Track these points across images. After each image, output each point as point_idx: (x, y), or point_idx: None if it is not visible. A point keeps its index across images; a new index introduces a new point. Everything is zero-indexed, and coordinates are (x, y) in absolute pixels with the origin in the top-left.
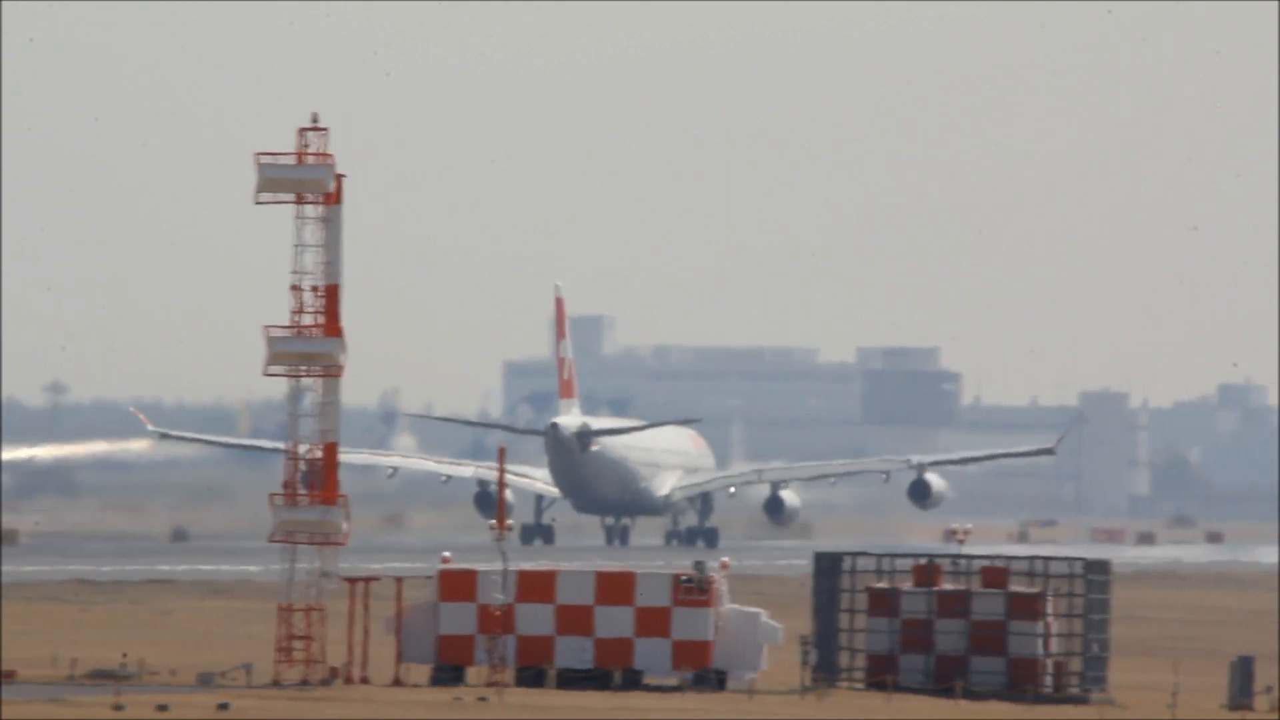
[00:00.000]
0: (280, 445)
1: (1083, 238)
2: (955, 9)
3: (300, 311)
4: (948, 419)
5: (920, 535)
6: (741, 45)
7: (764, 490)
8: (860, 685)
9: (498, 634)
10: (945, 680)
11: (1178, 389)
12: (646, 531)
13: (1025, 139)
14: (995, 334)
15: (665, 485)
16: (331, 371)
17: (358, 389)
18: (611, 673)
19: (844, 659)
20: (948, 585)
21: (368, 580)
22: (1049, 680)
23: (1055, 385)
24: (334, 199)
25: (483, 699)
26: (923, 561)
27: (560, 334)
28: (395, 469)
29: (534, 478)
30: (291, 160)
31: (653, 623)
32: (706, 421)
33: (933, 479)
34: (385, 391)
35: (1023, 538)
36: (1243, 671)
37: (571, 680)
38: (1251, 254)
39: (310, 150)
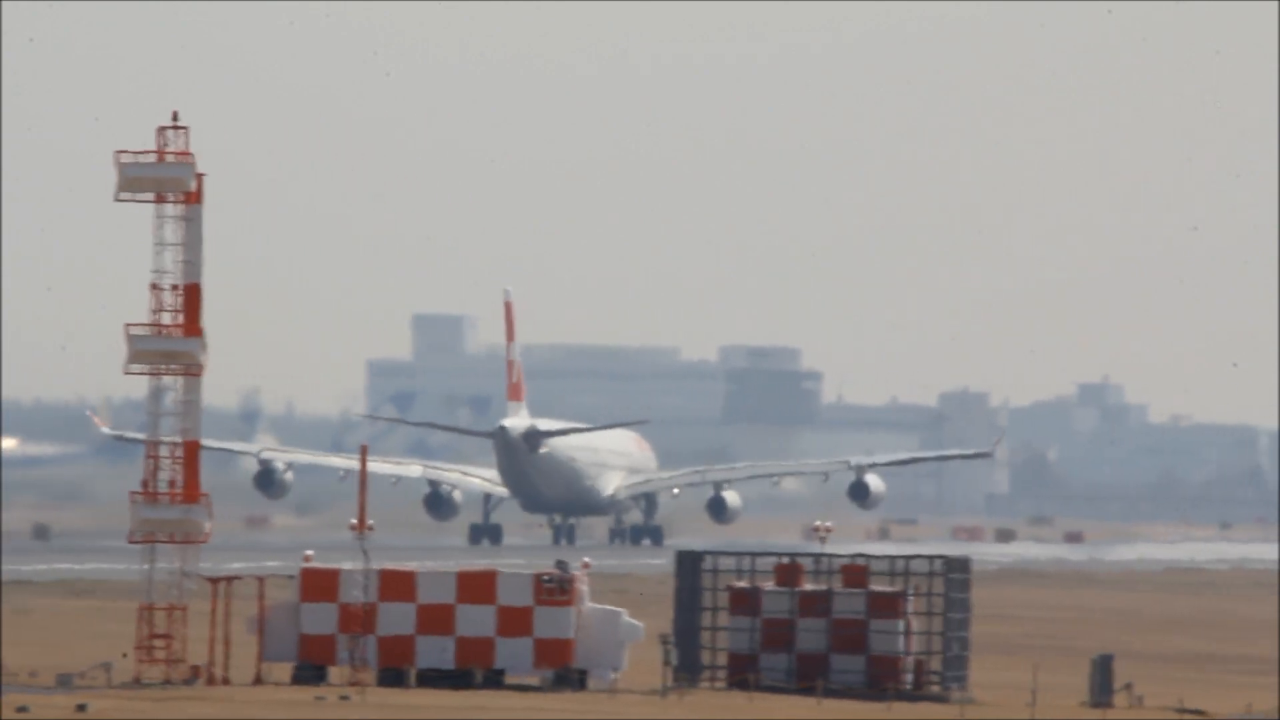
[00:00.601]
0: (240, 448)
1: (1072, 238)
2: (955, 9)
3: (160, 310)
4: (809, 418)
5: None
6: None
7: (707, 490)
8: (722, 684)
9: (359, 633)
10: (806, 679)
11: (1037, 389)
12: (591, 531)
13: (1025, 138)
14: (856, 333)
15: (611, 485)
16: (192, 370)
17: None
18: (473, 672)
19: (706, 658)
20: (809, 584)
21: (229, 579)
22: (909, 678)
23: (916, 385)
24: (194, 198)
25: (344, 698)
26: (784, 561)
27: (510, 337)
28: (347, 472)
29: (483, 477)
30: (152, 159)
31: (514, 622)
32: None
33: (871, 480)
34: (247, 390)
35: (883, 536)
36: (1102, 670)
37: (433, 680)
38: (1251, 254)
39: (170, 149)
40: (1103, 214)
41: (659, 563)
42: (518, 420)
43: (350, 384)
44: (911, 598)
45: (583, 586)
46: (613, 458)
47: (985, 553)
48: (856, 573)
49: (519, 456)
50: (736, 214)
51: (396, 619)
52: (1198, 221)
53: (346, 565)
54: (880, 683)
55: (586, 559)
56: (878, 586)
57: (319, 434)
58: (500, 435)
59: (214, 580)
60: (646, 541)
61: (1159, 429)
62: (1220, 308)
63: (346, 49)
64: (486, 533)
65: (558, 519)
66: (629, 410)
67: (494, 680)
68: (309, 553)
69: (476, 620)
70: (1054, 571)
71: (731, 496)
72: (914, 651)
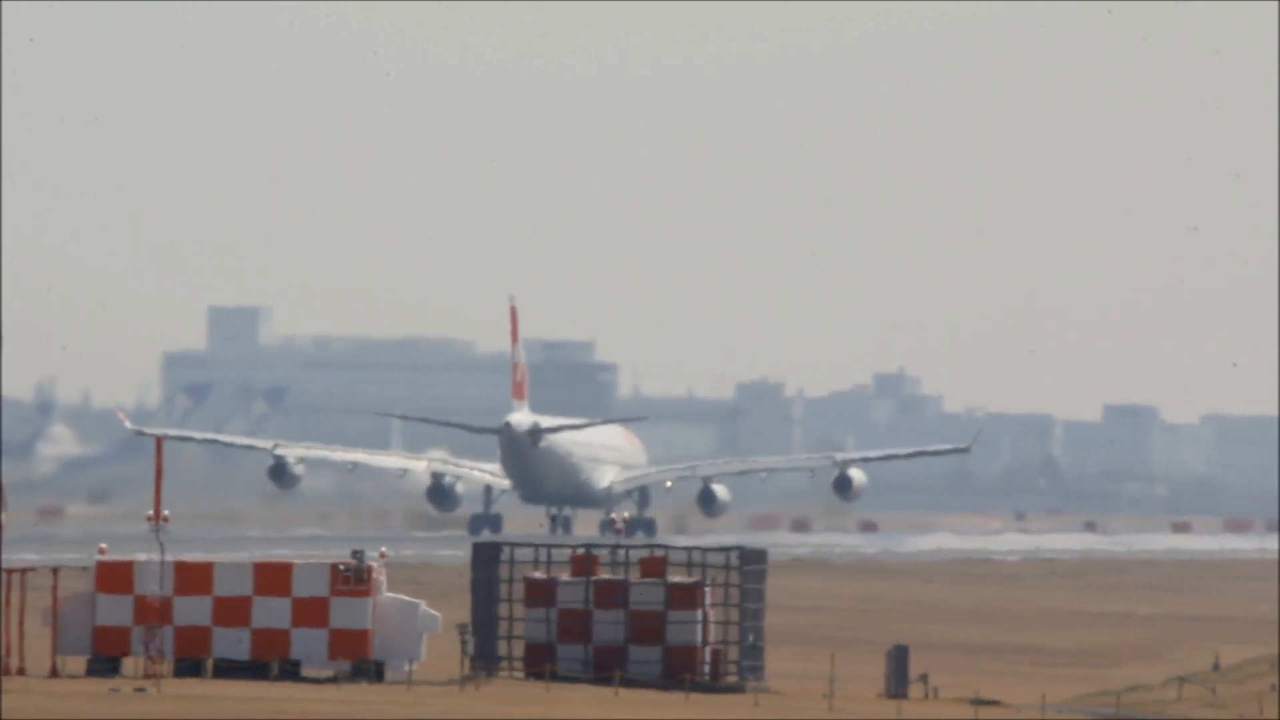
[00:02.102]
0: (255, 443)
1: (1065, 238)
2: (955, 9)
3: None
4: (605, 410)
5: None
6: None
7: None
8: (520, 675)
9: (155, 625)
10: (603, 669)
11: (833, 379)
12: (586, 523)
13: (1022, 139)
14: (652, 326)
15: (605, 478)
16: None
17: (12, 378)
18: (269, 663)
19: (503, 648)
20: (606, 575)
21: (24, 571)
22: (706, 669)
23: (712, 376)
24: None
25: (140, 690)
26: (580, 552)
27: (514, 339)
28: (355, 464)
29: (486, 470)
30: None
31: (310, 613)
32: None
33: (854, 474)
34: (41, 381)
35: (681, 527)
36: (898, 660)
37: (229, 671)
38: (1251, 254)
39: None
40: (1102, 213)
41: (456, 553)
42: (521, 417)
43: (145, 375)
44: (709, 588)
45: (380, 577)
46: (607, 452)
47: (781, 542)
48: (654, 564)
49: (522, 451)
50: (530, 206)
51: (192, 611)
52: (1197, 221)
53: (141, 557)
54: (677, 673)
55: (383, 549)
56: (675, 577)
57: (115, 424)
58: (505, 431)
59: (9, 571)
60: (640, 533)
61: (954, 419)
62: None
63: (346, 49)
64: (487, 522)
65: (554, 510)
66: (425, 401)
67: (290, 672)
68: (103, 545)
69: (272, 611)
70: (849, 562)
71: (720, 490)
72: (711, 642)
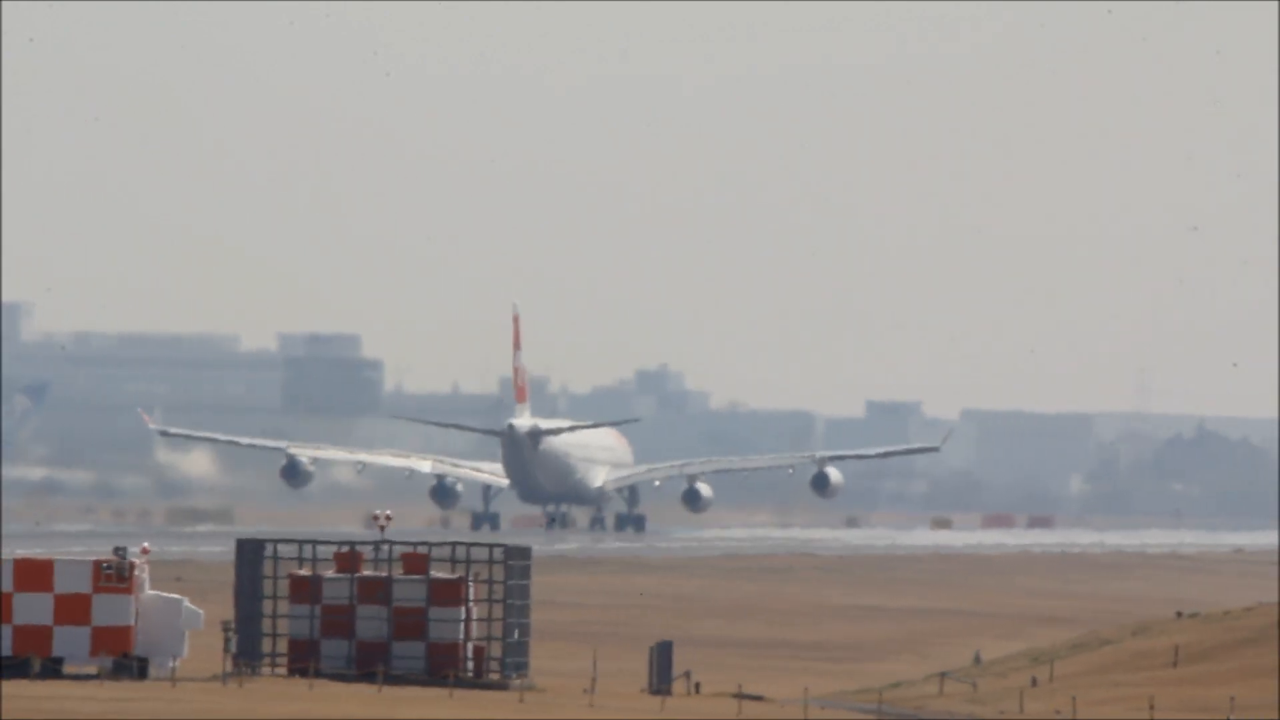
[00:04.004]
0: (270, 444)
1: (1061, 232)
2: (955, 9)
3: None
4: (370, 407)
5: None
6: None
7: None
8: (283, 671)
9: None
10: (366, 666)
11: (596, 374)
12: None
13: (1021, 139)
14: (417, 321)
15: (599, 478)
16: None
17: None
18: (30, 660)
19: (266, 645)
20: (369, 571)
21: None
22: (469, 665)
23: (477, 373)
24: None
25: None
26: (344, 548)
27: (516, 346)
28: (364, 464)
29: (486, 470)
30: None
31: (72, 610)
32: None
33: (831, 472)
34: None
35: (446, 523)
36: (662, 656)
37: None
38: (1251, 254)
39: None
40: (1103, 213)
41: (219, 549)
42: (523, 420)
43: None
44: (472, 585)
45: (142, 574)
46: (600, 453)
47: (547, 539)
48: (417, 560)
49: (523, 452)
50: (297, 201)
51: None
52: (1198, 221)
53: None
54: (441, 670)
55: (146, 544)
56: (438, 574)
57: None
58: (508, 433)
59: None
60: (630, 529)
61: (717, 415)
62: (1219, 305)
63: (346, 49)
64: (487, 519)
65: (550, 508)
66: (188, 398)
67: (52, 669)
68: None
69: (34, 608)
70: (612, 558)
71: (704, 488)
72: (474, 639)
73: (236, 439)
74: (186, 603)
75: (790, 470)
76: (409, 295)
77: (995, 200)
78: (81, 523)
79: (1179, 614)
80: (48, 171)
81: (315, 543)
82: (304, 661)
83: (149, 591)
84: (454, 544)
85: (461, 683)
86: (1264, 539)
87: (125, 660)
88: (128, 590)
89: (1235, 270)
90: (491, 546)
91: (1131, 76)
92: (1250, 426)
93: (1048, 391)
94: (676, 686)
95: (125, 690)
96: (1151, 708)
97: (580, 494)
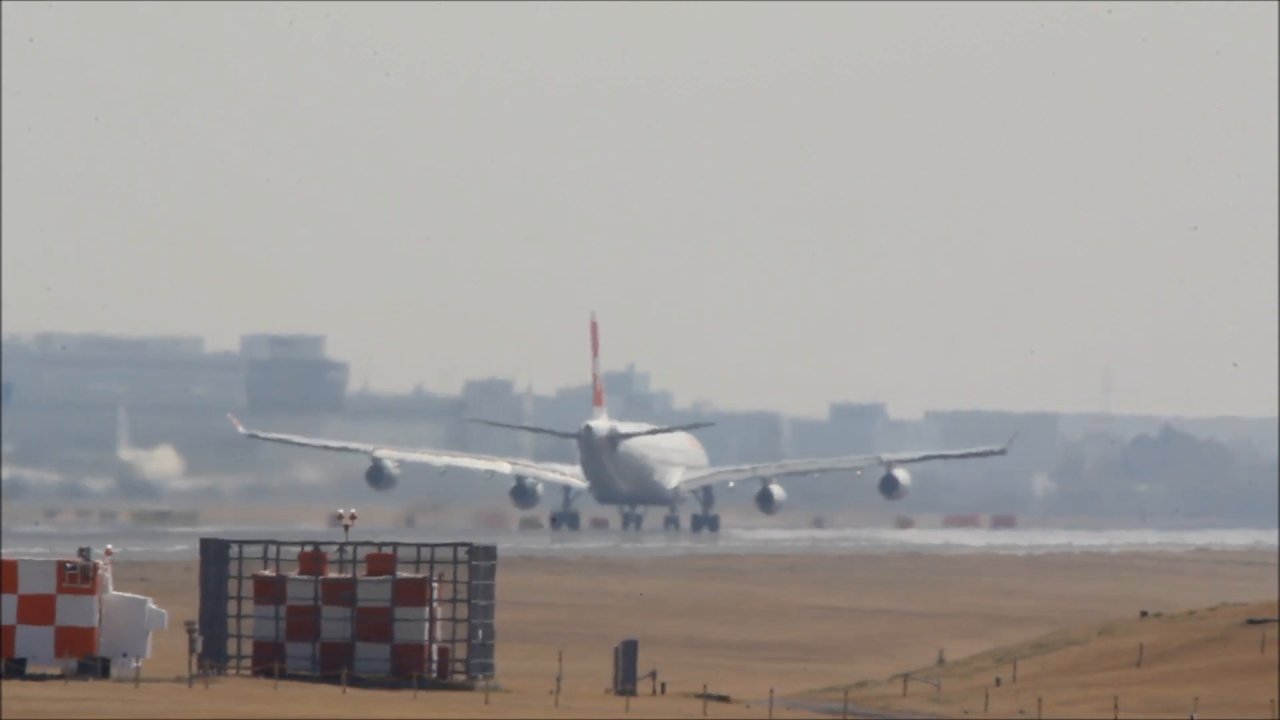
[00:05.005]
0: (356, 446)
1: (1056, 234)
2: (953, 9)
3: None
4: (335, 407)
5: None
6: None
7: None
8: (248, 672)
9: None
10: (331, 667)
11: (562, 376)
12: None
13: (1021, 139)
14: (381, 322)
15: (674, 479)
16: None
17: None
18: None
19: (232, 646)
20: (334, 572)
21: None
22: (434, 667)
23: (441, 373)
24: None
25: None
26: (309, 549)
27: (594, 353)
28: (447, 466)
29: (565, 473)
30: None
31: (36, 610)
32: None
33: (899, 474)
34: None
35: (410, 524)
36: (627, 656)
37: None
38: (1251, 254)
39: None
40: (1101, 213)
41: (182, 549)
42: (601, 423)
43: None
44: (437, 585)
45: (106, 574)
46: (675, 455)
47: (512, 540)
48: (381, 561)
49: (601, 454)
50: (257, 202)
51: None
52: (1198, 221)
53: None
54: (405, 671)
55: (110, 545)
56: (403, 574)
57: None
58: (586, 435)
59: None
60: (705, 529)
61: (683, 416)
62: (1216, 305)
63: (346, 49)
64: (566, 519)
65: (626, 508)
66: (153, 398)
67: (15, 670)
68: None
69: None
70: (578, 558)
71: (777, 489)
72: (439, 640)
73: (327, 442)
74: (150, 603)
75: (859, 473)
76: (374, 297)
77: (980, 201)
78: (46, 523)
79: (1144, 614)
80: (49, 171)
81: (280, 543)
82: (269, 662)
83: (113, 592)
84: (418, 545)
85: (426, 683)
86: (1229, 539)
87: (89, 661)
88: (91, 591)
89: (1232, 271)
90: (456, 546)
91: (1131, 76)
92: (1216, 426)
93: (1013, 392)
94: (642, 687)
95: (89, 691)
96: (1116, 707)
97: (656, 495)
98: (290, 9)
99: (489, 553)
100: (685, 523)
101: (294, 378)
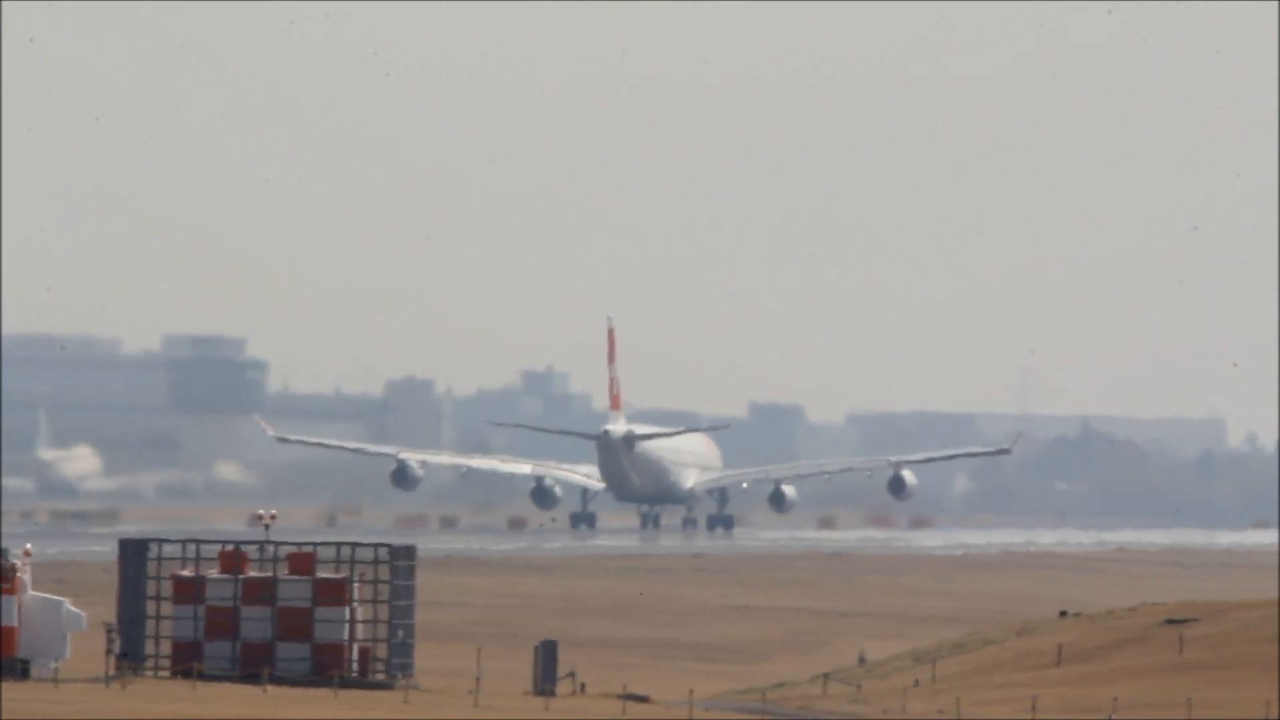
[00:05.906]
0: (379, 449)
1: (1055, 234)
2: (953, 9)
3: None
4: (255, 407)
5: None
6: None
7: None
8: (166, 673)
9: None
10: (251, 667)
11: (482, 376)
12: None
13: (1020, 139)
14: (301, 322)
15: (690, 480)
16: None
17: None
18: None
19: (149, 647)
20: (254, 572)
21: None
22: (354, 666)
23: (361, 373)
24: None
25: None
26: (229, 548)
27: (611, 359)
28: (469, 468)
29: (583, 474)
30: None
31: None
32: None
33: (907, 475)
34: None
35: (331, 523)
36: (546, 656)
37: None
38: (1251, 254)
39: None
40: (1102, 213)
41: (101, 549)
42: (618, 425)
43: None
44: (357, 585)
45: (24, 575)
46: (690, 457)
47: (429, 539)
48: (302, 560)
49: (618, 456)
50: (257, 202)
51: None
52: (1198, 221)
53: None
54: (326, 670)
55: (28, 545)
56: (323, 574)
57: None
58: (603, 438)
59: None
60: (720, 529)
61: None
62: (1127, 305)
63: (346, 49)
64: (584, 519)
65: (644, 508)
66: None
67: None
68: None
69: None
70: (498, 559)
71: (789, 490)
72: (359, 639)
73: (351, 445)
74: (68, 604)
75: (868, 474)
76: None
77: (978, 204)
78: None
79: (1063, 613)
80: (49, 171)
81: (199, 542)
82: (187, 663)
83: (31, 593)
84: (338, 544)
85: (347, 683)
86: (1147, 538)
87: (8, 662)
88: (10, 591)
89: (1233, 272)
90: (376, 546)
91: (1131, 76)
92: (1135, 427)
93: (930, 392)
94: (562, 687)
95: (7, 691)
96: (1034, 708)
97: (673, 495)
98: (290, 9)
99: (409, 553)
100: (702, 523)
101: (214, 377)
